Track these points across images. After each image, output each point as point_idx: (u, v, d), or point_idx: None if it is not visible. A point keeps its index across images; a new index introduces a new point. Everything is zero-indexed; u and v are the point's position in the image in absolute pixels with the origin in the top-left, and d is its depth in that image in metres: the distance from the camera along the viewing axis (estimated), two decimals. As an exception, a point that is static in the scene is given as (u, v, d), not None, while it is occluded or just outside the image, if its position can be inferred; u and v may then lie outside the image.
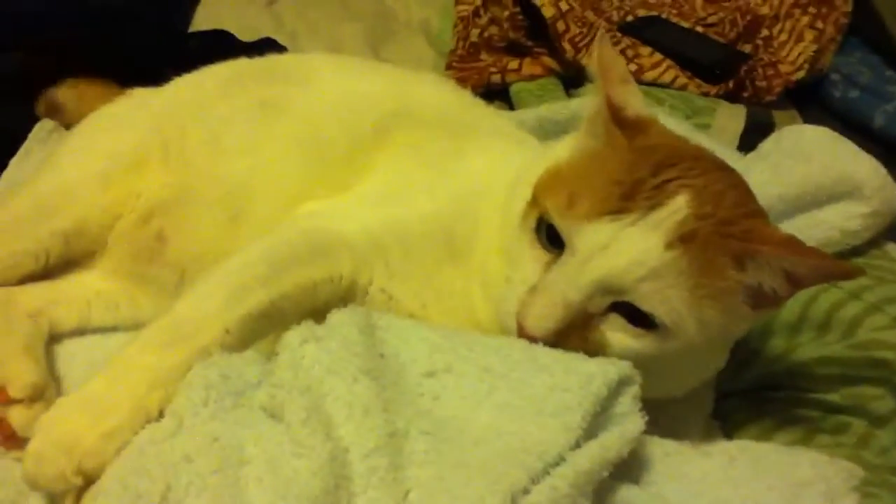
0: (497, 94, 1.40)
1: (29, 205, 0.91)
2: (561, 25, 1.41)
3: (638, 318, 0.66)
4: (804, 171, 0.90)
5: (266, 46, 1.43)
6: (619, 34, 1.48)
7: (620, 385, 0.61)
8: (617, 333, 0.67)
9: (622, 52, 1.43)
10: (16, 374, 0.78)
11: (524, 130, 1.03)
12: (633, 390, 0.62)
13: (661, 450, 0.64)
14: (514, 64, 1.42)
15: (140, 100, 1.02)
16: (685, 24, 1.57)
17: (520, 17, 1.47)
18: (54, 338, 0.89)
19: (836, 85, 1.51)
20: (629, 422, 0.60)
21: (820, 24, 1.52)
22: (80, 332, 0.91)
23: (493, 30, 1.48)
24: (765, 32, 1.52)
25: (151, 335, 0.69)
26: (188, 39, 1.50)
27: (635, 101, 0.73)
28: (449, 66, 1.49)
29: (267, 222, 0.84)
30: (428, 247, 0.79)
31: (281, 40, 1.56)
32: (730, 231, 0.66)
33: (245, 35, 1.54)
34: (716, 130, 1.28)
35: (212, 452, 0.57)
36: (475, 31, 1.51)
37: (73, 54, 1.24)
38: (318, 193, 0.86)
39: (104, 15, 1.51)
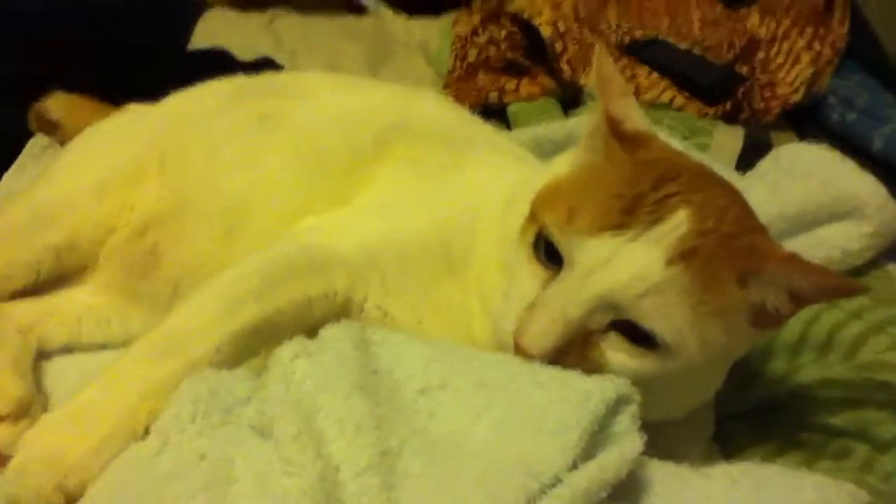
0: (494, 114, 1.40)
1: (24, 215, 0.90)
2: (559, 45, 1.41)
3: (638, 336, 0.64)
4: (804, 189, 0.89)
5: (264, 65, 1.43)
6: (617, 53, 1.48)
7: (619, 403, 0.60)
8: (617, 353, 0.65)
9: (620, 71, 1.43)
10: (1, 390, 0.76)
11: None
12: (632, 409, 0.60)
13: (661, 472, 0.62)
14: (511, 84, 1.42)
15: (137, 114, 1.01)
16: (683, 46, 1.57)
17: (518, 36, 1.47)
18: (43, 354, 0.87)
19: (833, 108, 1.51)
20: (628, 441, 0.59)
21: (817, 47, 1.53)
22: (70, 348, 0.89)
23: (491, 50, 1.49)
24: (762, 54, 1.52)
25: (142, 347, 0.67)
26: (187, 57, 1.50)
27: (635, 115, 0.72)
28: (446, 86, 1.50)
29: (263, 237, 0.83)
30: (425, 260, 0.78)
31: (280, 59, 1.57)
32: (732, 247, 0.65)
33: (244, 54, 1.54)
34: (714, 150, 1.28)
35: (198, 470, 0.56)
36: (473, 51, 1.51)
37: (72, 56, 1.24)
38: (317, 208, 0.85)
39: (104, 15, 1.52)
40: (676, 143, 1.07)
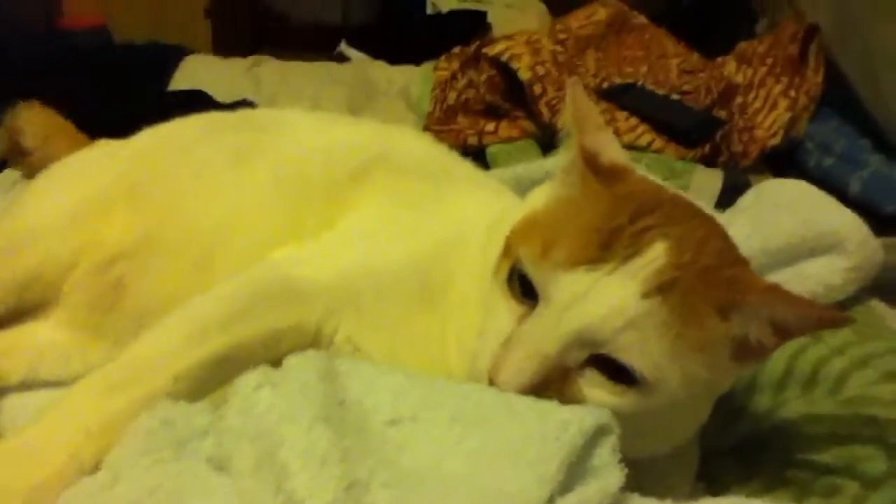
0: (473, 156, 1.37)
1: None
2: (538, 88, 1.42)
3: (617, 372, 0.62)
4: (786, 223, 0.89)
5: (243, 107, 1.42)
6: (595, 97, 1.49)
7: (598, 435, 0.57)
8: (595, 389, 0.63)
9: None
10: None
11: (500, 188, 1.01)
12: (612, 441, 0.57)
13: (643, 508, 0.59)
14: (490, 126, 1.42)
15: (108, 148, 1.00)
16: (661, 92, 1.59)
17: (497, 79, 1.48)
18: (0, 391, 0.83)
19: (810, 153, 1.52)
20: (608, 475, 0.56)
21: (793, 94, 1.54)
22: (28, 385, 0.85)
23: (470, 93, 1.49)
24: (739, 100, 1.54)
25: (96, 379, 0.64)
26: (164, 97, 1.50)
27: (611, 148, 0.71)
28: (426, 129, 1.50)
29: (236, 271, 0.80)
30: (401, 292, 0.76)
31: (260, 103, 1.56)
32: (712, 280, 0.63)
33: (224, 97, 1.54)
34: (693, 192, 1.27)
35: (149, 506, 0.52)
36: (452, 94, 1.52)
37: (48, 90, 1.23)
38: (292, 240, 0.83)
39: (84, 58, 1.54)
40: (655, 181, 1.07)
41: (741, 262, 0.68)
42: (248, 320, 0.70)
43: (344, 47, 2.27)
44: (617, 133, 1.41)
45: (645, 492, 0.62)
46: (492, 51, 1.46)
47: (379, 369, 0.65)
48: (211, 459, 0.56)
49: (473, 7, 2.51)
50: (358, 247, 0.80)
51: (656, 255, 0.62)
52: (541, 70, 1.44)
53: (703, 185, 1.29)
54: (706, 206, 1.15)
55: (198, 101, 1.43)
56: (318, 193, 0.86)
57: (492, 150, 1.39)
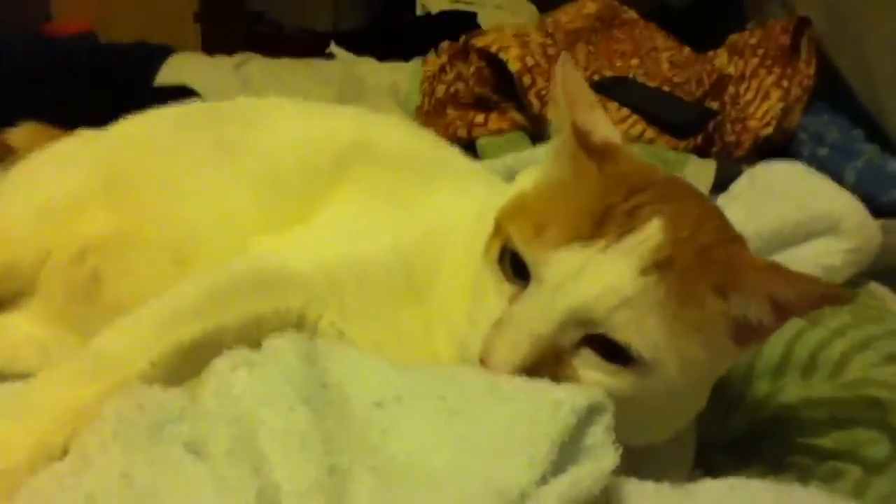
0: (463, 149, 1.35)
1: None
2: (527, 79, 1.40)
3: (613, 352, 0.60)
4: (780, 207, 0.87)
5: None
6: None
7: (591, 414, 0.55)
8: (590, 370, 0.61)
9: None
10: None
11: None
12: (606, 420, 0.55)
13: (639, 491, 0.57)
14: (480, 118, 1.41)
15: (84, 139, 0.97)
16: (652, 85, 1.57)
17: (486, 72, 1.46)
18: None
19: (804, 143, 1.50)
20: (602, 455, 0.53)
21: (785, 83, 1.53)
22: (4, 377, 0.81)
23: (459, 85, 1.47)
24: (732, 90, 1.52)
25: (67, 366, 0.61)
26: (147, 91, 1.47)
27: (603, 127, 0.69)
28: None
29: (214, 263, 0.78)
30: (386, 284, 0.73)
31: (246, 100, 1.54)
32: (709, 258, 0.61)
33: (211, 96, 1.51)
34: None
35: (120, 491, 0.49)
36: (441, 87, 1.50)
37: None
38: (271, 235, 0.81)
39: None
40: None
41: (738, 240, 0.66)
42: (226, 306, 0.68)
43: (333, 48, 2.25)
44: (608, 124, 1.39)
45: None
46: (480, 42, 1.45)
47: (362, 352, 0.62)
48: (186, 444, 0.53)
49: (464, 8, 2.50)
50: (340, 238, 0.77)
51: (652, 231, 0.60)
52: (530, 61, 1.42)
53: (697, 175, 1.27)
54: (700, 194, 1.14)
55: (182, 97, 1.40)
56: (297, 185, 0.83)
57: (482, 143, 1.38)
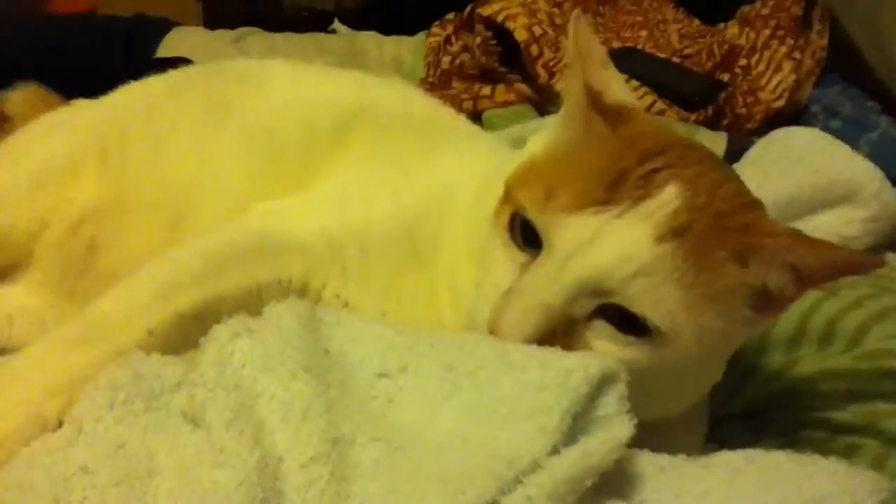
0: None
1: None
2: (535, 50, 1.37)
3: (627, 323, 0.57)
4: (797, 174, 0.84)
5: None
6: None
7: (604, 383, 0.52)
8: (603, 341, 0.58)
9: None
10: None
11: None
12: (619, 389, 0.52)
13: (654, 464, 0.55)
14: (486, 90, 1.38)
15: (79, 108, 0.96)
16: (662, 56, 1.54)
17: (492, 43, 1.43)
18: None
19: (816, 116, 1.47)
20: (616, 425, 0.51)
21: (798, 55, 1.49)
22: (1, 350, 0.80)
23: (465, 57, 1.44)
24: (743, 62, 1.49)
25: (61, 332, 0.60)
26: (146, 63, 1.45)
27: (617, 87, 0.66)
28: (420, 96, 1.44)
29: (209, 226, 0.76)
30: (389, 250, 0.71)
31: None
32: (728, 224, 0.58)
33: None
34: (697, 153, 1.23)
35: (114, 462, 0.48)
36: (446, 59, 1.47)
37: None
38: (270, 197, 0.79)
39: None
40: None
41: (757, 205, 0.63)
42: (225, 274, 0.66)
43: (336, 25, 2.21)
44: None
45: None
46: (486, 11, 1.41)
47: (365, 319, 0.60)
48: (184, 414, 0.52)
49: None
50: (341, 204, 0.75)
51: (669, 197, 0.57)
52: (538, 31, 1.39)
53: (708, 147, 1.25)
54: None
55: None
56: (297, 149, 0.81)
57: (488, 116, 1.35)
